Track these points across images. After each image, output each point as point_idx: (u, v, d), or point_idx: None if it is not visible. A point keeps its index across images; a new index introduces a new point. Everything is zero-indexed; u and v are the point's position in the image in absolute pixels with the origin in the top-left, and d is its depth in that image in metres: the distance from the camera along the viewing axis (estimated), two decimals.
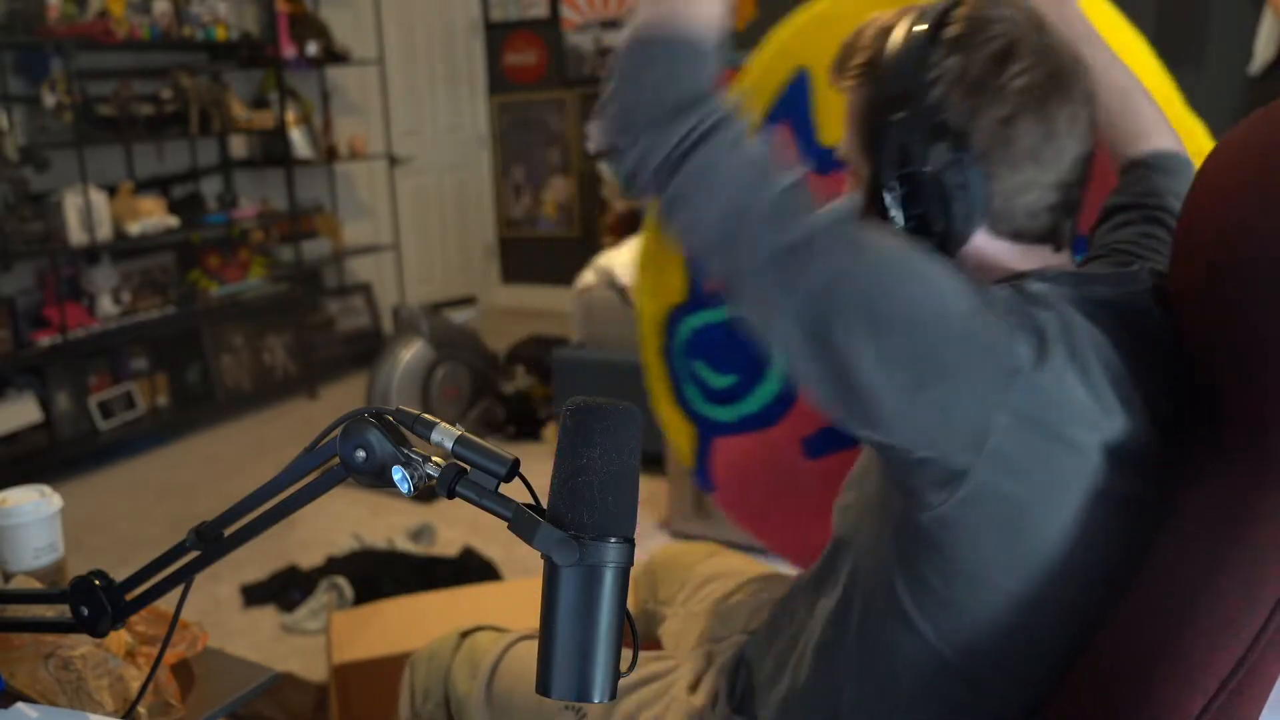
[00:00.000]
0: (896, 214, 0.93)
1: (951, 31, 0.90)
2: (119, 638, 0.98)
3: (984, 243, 0.93)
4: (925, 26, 0.92)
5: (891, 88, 0.91)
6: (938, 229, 0.91)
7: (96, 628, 0.83)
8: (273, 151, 4.67)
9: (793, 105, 1.32)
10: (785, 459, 1.35)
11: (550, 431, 3.92)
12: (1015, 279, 0.90)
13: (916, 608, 0.90)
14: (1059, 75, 0.90)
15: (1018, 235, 0.93)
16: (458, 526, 3.10)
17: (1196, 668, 0.77)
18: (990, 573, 0.86)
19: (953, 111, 0.89)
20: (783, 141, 1.18)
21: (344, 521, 3.19)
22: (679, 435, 1.50)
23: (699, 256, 0.87)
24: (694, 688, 1.15)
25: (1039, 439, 0.81)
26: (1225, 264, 0.79)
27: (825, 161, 1.23)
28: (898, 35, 0.93)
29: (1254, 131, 0.80)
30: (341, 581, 2.68)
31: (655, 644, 1.39)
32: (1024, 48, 0.89)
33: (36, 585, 1.05)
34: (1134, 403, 0.84)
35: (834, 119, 1.21)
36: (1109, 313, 0.87)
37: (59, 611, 0.92)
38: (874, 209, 0.94)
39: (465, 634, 1.35)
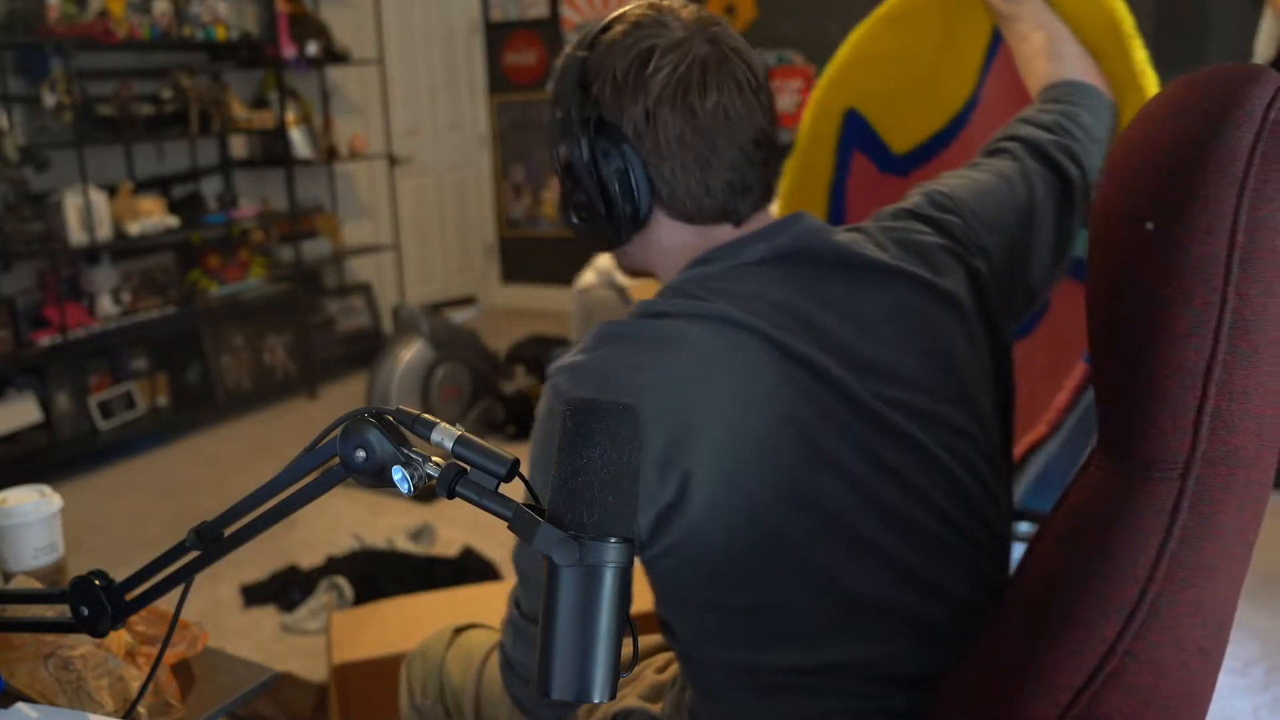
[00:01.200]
0: (569, 206, 1.06)
1: (606, 39, 1.02)
2: (119, 638, 0.98)
3: (664, 225, 1.05)
4: (588, 35, 1.04)
5: (559, 91, 1.04)
6: (616, 214, 1.03)
7: (96, 628, 0.83)
8: (273, 151, 4.67)
9: (859, 138, 1.60)
10: None
11: None
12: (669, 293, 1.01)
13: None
14: (702, 70, 0.99)
15: (690, 217, 1.04)
16: (458, 526, 3.10)
17: (1051, 676, 0.76)
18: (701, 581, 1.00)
19: (606, 107, 1.00)
20: (864, 166, 1.59)
21: (344, 521, 3.19)
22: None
23: None
24: (663, 668, 1.21)
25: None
26: (1096, 243, 0.78)
27: (906, 165, 1.58)
28: (567, 48, 1.06)
29: (1135, 121, 0.79)
30: (341, 581, 2.68)
31: None
32: (666, 48, 0.99)
33: (36, 585, 1.05)
34: (804, 342, 0.94)
35: (897, 133, 1.57)
36: (779, 260, 1.00)
37: (59, 611, 0.92)
38: (564, 204, 1.08)
39: (459, 630, 1.37)
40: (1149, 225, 0.71)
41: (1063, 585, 0.77)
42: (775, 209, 1.41)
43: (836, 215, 1.67)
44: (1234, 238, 0.69)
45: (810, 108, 1.63)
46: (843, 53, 1.60)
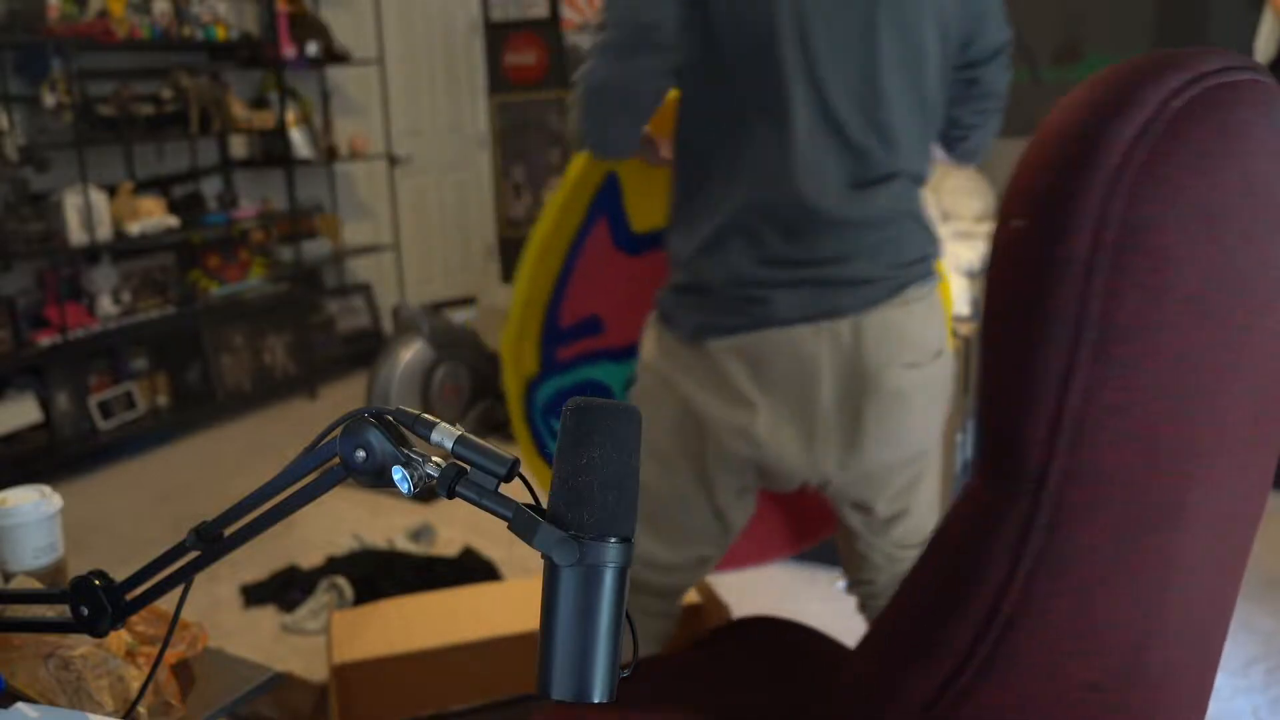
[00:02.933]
0: None
1: None
2: (119, 638, 0.98)
3: None
4: None
5: None
6: None
7: (96, 628, 0.83)
8: (273, 151, 4.67)
9: (607, 202, 1.64)
10: None
11: None
12: None
13: None
14: None
15: None
16: (457, 526, 3.10)
17: (906, 684, 0.72)
18: None
19: None
20: (602, 233, 1.65)
21: (344, 521, 3.19)
22: (539, 474, 1.78)
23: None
24: None
25: None
26: (991, 245, 0.74)
27: (637, 244, 1.67)
28: None
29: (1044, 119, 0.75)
30: (341, 581, 2.68)
31: None
32: None
33: (36, 585, 1.05)
34: None
35: (642, 211, 1.65)
36: None
37: (59, 611, 0.92)
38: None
39: None
40: (1016, 223, 0.66)
41: (921, 593, 0.73)
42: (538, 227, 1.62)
43: (562, 281, 1.67)
44: (1100, 236, 0.63)
45: (580, 157, 1.59)
46: None
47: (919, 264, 1.42)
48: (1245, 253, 0.66)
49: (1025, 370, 0.65)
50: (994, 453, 0.68)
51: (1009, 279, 0.66)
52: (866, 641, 0.79)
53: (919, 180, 1.44)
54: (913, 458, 1.47)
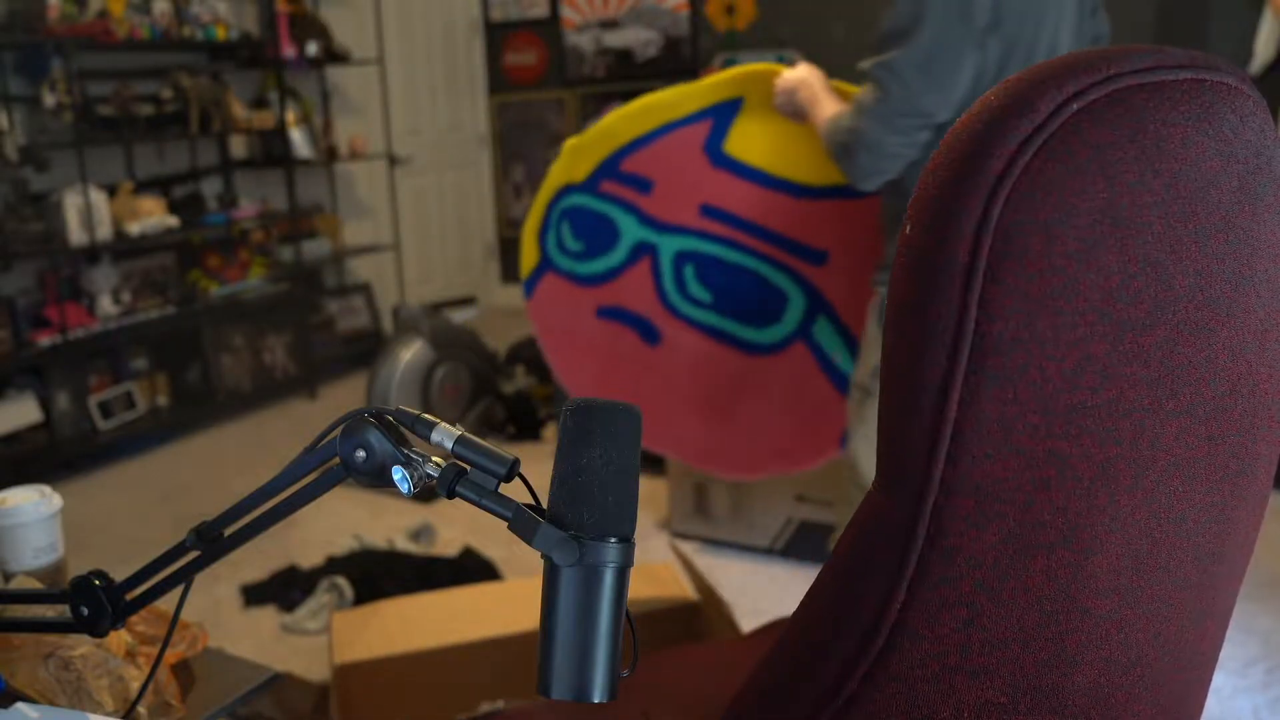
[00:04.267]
0: None
1: None
2: (119, 638, 0.98)
3: None
4: None
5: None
6: None
7: (96, 628, 0.83)
8: (273, 151, 4.67)
9: (722, 114, 1.88)
10: (581, 310, 2.07)
11: (550, 431, 3.93)
12: None
13: None
14: None
15: None
16: (458, 526, 3.10)
17: (794, 690, 0.71)
18: None
19: None
20: (700, 131, 1.90)
21: (344, 521, 3.19)
22: (527, 259, 2.10)
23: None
24: None
25: None
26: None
27: (721, 159, 1.90)
28: None
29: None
30: (341, 581, 2.68)
31: None
32: None
33: (36, 585, 1.05)
34: None
35: (741, 140, 1.88)
36: None
37: (59, 611, 0.92)
38: None
39: None
40: (908, 229, 0.64)
41: (817, 598, 0.72)
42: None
43: (646, 139, 1.95)
44: (978, 243, 0.60)
45: (733, 72, 1.88)
46: (768, 67, 1.88)
47: None
48: (1170, 263, 0.63)
49: (909, 379, 0.63)
50: (884, 459, 0.67)
51: (900, 285, 0.64)
52: (770, 649, 0.79)
53: None
54: None
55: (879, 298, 1.77)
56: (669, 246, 1.96)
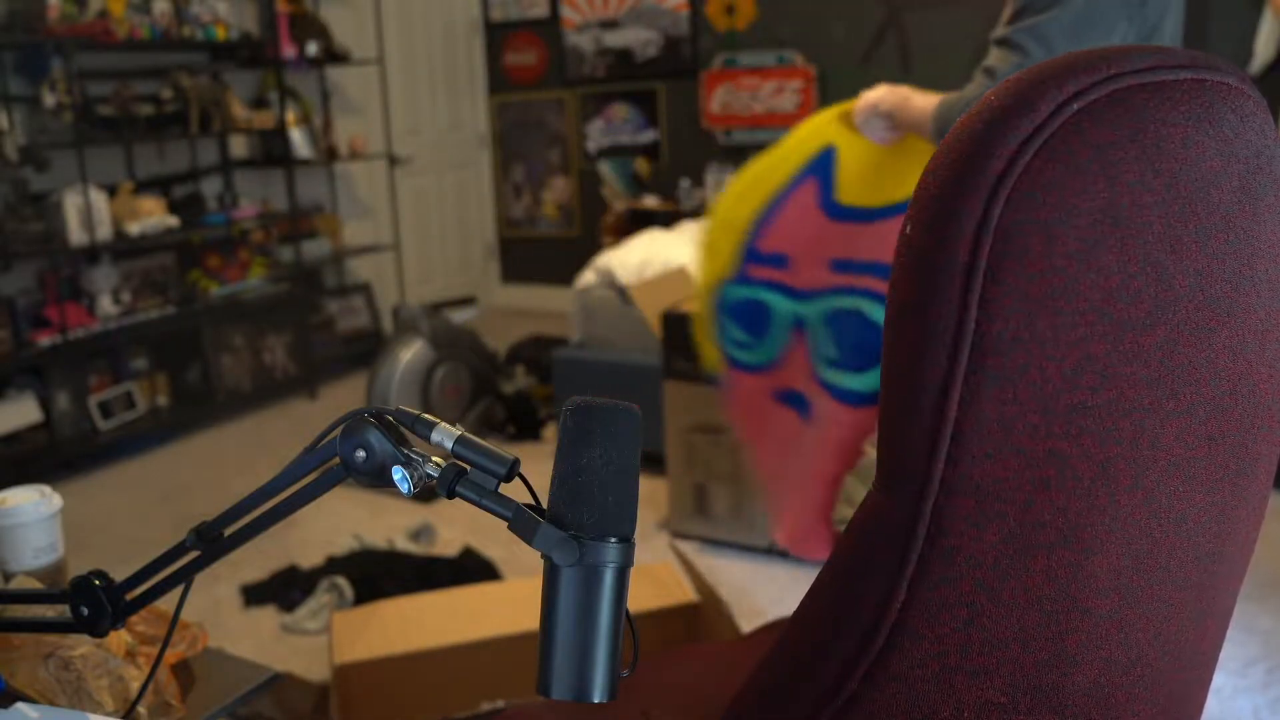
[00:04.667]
0: None
1: None
2: (119, 638, 0.98)
3: None
4: None
5: None
6: None
7: (96, 628, 0.83)
8: (273, 151, 4.67)
9: (821, 168, 1.86)
10: (762, 398, 2.02)
11: (550, 431, 3.93)
12: None
13: None
14: None
15: None
16: (458, 526, 3.10)
17: (795, 690, 0.71)
18: None
19: None
20: (810, 190, 1.88)
21: (344, 521, 3.19)
22: (710, 360, 2.08)
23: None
24: None
25: None
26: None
27: (838, 212, 1.86)
28: None
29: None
30: (341, 581, 2.68)
31: None
32: None
33: (36, 585, 1.05)
34: None
35: (850, 186, 1.85)
36: None
37: (59, 611, 0.92)
38: None
39: None
40: (908, 229, 0.64)
41: (818, 598, 0.72)
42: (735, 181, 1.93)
43: (766, 216, 1.92)
44: (978, 243, 0.60)
45: (807, 124, 1.88)
46: (848, 105, 1.86)
47: None
48: (1170, 263, 0.63)
49: (910, 379, 0.63)
50: (884, 459, 0.67)
51: (900, 285, 0.64)
52: (771, 649, 0.79)
53: None
54: None
55: None
56: (814, 315, 1.92)
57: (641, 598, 2.08)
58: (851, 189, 1.85)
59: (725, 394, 2.10)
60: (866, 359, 1.84)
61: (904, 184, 1.81)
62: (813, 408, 1.94)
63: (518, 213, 6.14)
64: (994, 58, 1.56)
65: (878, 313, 1.84)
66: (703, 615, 2.08)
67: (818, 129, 1.87)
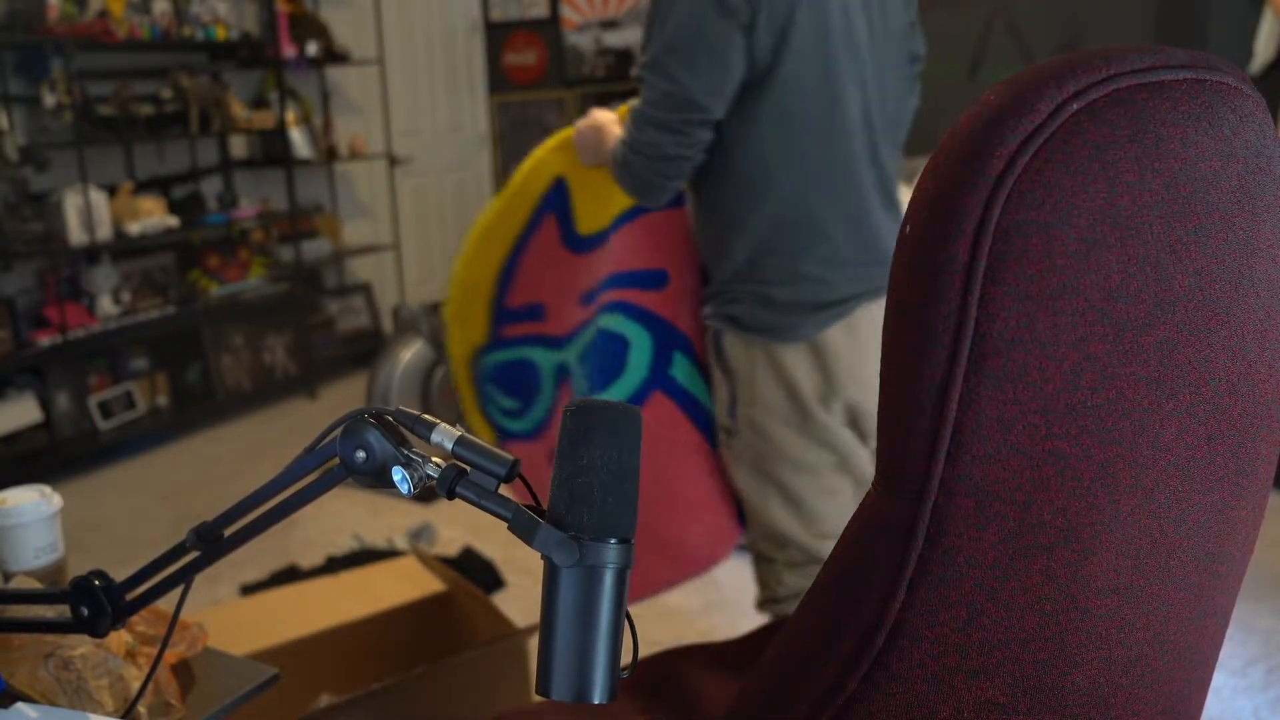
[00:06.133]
0: None
1: None
2: (119, 638, 0.98)
3: None
4: None
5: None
6: None
7: (96, 628, 0.83)
8: (273, 151, 4.67)
9: (557, 202, 1.77)
10: (540, 463, 1.86)
11: None
12: None
13: None
14: None
15: None
16: (457, 527, 3.10)
17: (796, 686, 0.71)
18: None
19: None
20: (550, 230, 1.77)
21: (344, 521, 3.19)
22: (486, 436, 1.92)
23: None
24: None
25: None
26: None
27: (581, 244, 1.78)
28: None
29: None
30: None
31: None
32: None
33: (36, 585, 1.05)
34: None
35: (588, 215, 1.76)
36: None
37: (59, 611, 0.92)
38: None
39: None
40: (907, 228, 0.64)
41: (817, 598, 0.72)
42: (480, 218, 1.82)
43: (509, 268, 1.81)
44: (978, 243, 0.60)
45: (529, 161, 1.77)
46: (569, 132, 1.76)
47: None
48: (1170, 263, 0.63)
49: (909, 379, 0.63)
50: (884, 460, 0.67)
51: (900, 285, 0.64)
52: (770, 649, 0.79)
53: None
54: None
55: (711, 332, 1.66)
56: (573, 355, 1.84)
57: (395, 593, 2.12)
58: (588, 217, 1.78)
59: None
60: (613, 370, 1.78)
61: (625, 197, 1.72)
62: None
63: None
64: (639, 98, 1.55)
65: (607, 321, 1.79)
66: (457, 602, 2.13)
67: (542, 163, 1.77)
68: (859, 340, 1.59)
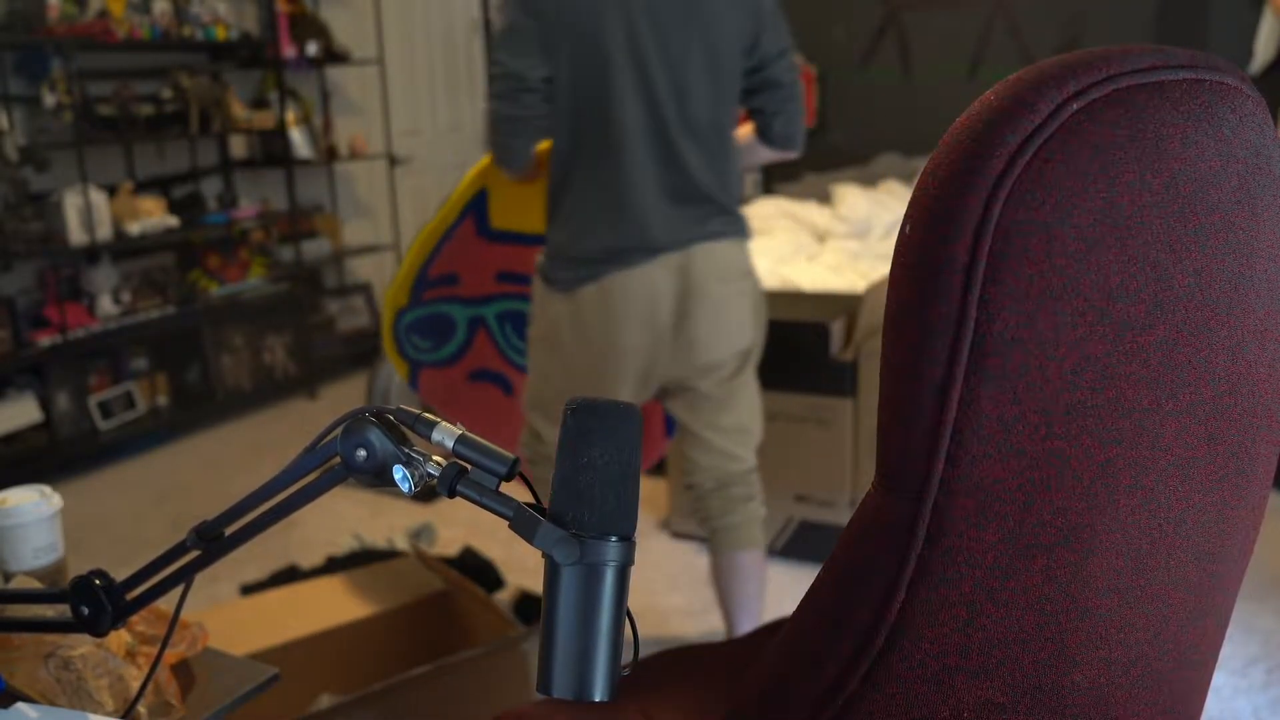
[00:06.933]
0: None
1: None
2: (119, 638, 0.98)
3: None
4: None
5: None
6: None
7: (96, 628, 0.83)
8: (273, 151, 4.67)
9: (476, 206, 2.32)
10: (455, 382, 2.53)
11: None
12: None
13: None
14: None
15: None
16: (458, 526, 3.10)
17: (796, 688, 0.71)
18: None
19: None
20: (470, 224, 2.34)
21: (344, 521, 3.19)
22: (401, 370, 2.55)
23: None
24: None
25: None
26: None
27: (494, 235, 2.34)
28: None
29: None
30: None
31: None
32: None
33: (36, 585, 1.05)
34: None
35: (499, 214, 2.31)
36: None
37: (59, 611, 0.92)
38: None
39: None
40: (907, 229, 0.64)
41: (817, 598, 0.72)
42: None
43: (435, 251, 2.37)
44: (978, 243, 0.60)
45: (466, 177, 2.31)
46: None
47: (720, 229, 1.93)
48: (1169, 263, 0.63)
49: (909, 379, 0.63)
50: (883, 459, 0.67)
51: (899, 285, 0.64)
52: (770, 649, 0.79)
53: (721, 174, 1.92)
54: (733, 354, 1.97)
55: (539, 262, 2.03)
56: (491, 313, 2.43)
57: (395, 593, 2.13)
58: (503, 216, 2.30)
59: (422, 391, 2.57)
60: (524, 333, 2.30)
61: (538, 217, 2.13)
62: (514, 386, 2.45)
63: None
64: None
65: (520, 305, 2.39)
66: (457, 602, 2.14)
67: (474, 180, 2.28)
68: (608, 299, 1.92)
